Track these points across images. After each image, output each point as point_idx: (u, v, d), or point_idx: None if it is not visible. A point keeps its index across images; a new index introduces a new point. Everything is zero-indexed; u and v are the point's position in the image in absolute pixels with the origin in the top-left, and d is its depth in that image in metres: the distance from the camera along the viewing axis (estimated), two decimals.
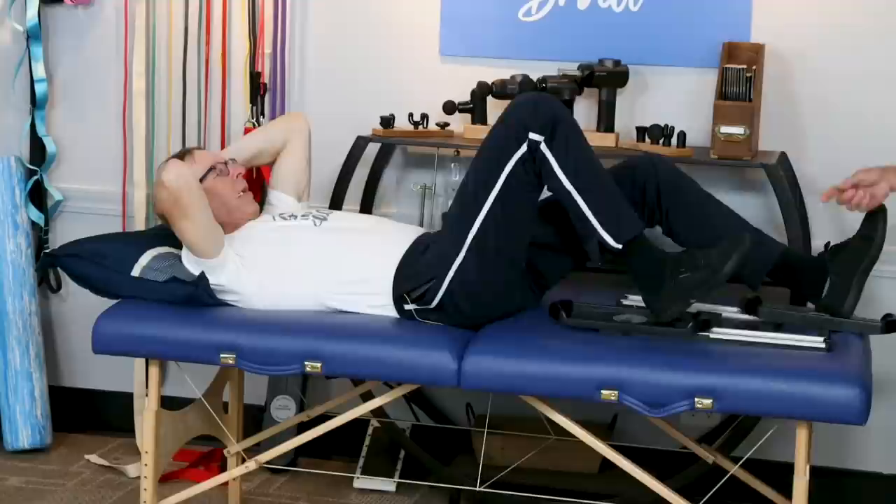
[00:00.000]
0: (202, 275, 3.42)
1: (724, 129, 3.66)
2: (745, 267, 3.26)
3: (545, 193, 3.38)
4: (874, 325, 3.30)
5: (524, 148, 3.26)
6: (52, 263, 3.65)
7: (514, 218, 3.31)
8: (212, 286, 3.42)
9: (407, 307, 3.38)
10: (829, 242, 3.44)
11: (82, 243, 3.60)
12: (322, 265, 3.44)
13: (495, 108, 3.93)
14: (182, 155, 3.62)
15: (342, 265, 3.43)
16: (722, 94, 3.70)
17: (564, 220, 3.37)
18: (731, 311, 3.39)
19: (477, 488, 3.56)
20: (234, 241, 3.50)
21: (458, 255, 3.32)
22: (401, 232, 3.54)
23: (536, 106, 3.26)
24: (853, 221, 3.84)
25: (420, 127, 3.94)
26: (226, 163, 3.62)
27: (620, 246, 3.25)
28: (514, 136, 3.27)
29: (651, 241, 3.32)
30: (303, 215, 3.58)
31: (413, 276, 3.37)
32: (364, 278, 3.41)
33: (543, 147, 3.24)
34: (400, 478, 4.05)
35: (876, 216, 3.32)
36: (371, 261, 3.42)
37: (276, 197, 3.72)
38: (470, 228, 3.31)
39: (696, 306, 3.31)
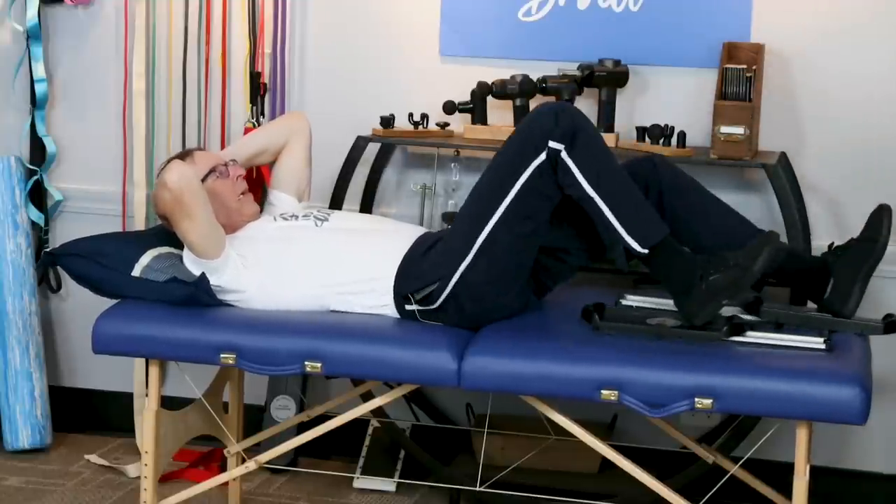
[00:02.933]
0: (202, 276, 3.41)
1: (724, 129, 3.66)
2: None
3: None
4: (875, 325, 3.29)
5: (543, 156, 3.24)
6: (52, 262, 3.64)
7: (526, 224, 3.30)
8: (212, 286, 3.42)
9: (409, 307, 3.38)
10: (832, 243, 3.43)
11: (83, 242, 3.59)
12: (323, 265, 3.43)
13: (495, 108, 3.94)
14: (182, 156, 3.61)
15: (343, 265, 3.43)
16: (722, 94, 3.70)
17: (577, 222, 3.37)
18: (732, 312, 3.36)
19: (477, 488, 3.56)
20: (236, 241, 3.50)
21: (465, 257, 3.32)
22: (402, 231, 3.54)
23: (557, 115, 3.24)
24: (853, 220, 3.85)
25: (420, 127, 3.94)
26: (226, 164, 3.61)
27: (647, 250, 3.23)
28: (533, 143, 3.25)
29: (678, 244, 3.30)
30: (304, 215, 3.57)
31: (417, 276, 3.36)
32: (365, 278, 3.41)
33: (564, 155, 3.23)
34: (400, 478, 4.05)
35: (880, 216, 3.30)
36: (373, 261, 3.42)
37: (277, 197, 3.72)
38: (480, 232, 3.30)
39: (730, 310, 3.29)
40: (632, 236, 3.23)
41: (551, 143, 3.23)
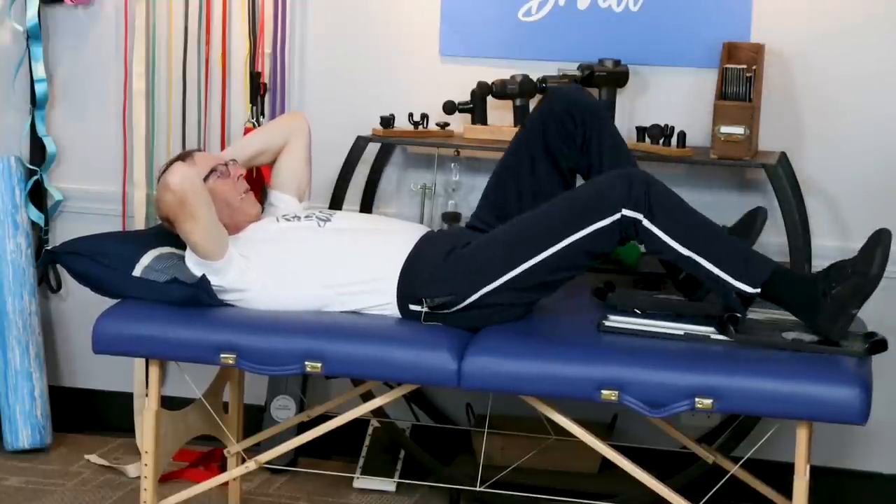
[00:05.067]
0: (203, 276, 3.41)
1: (724, 129, 3.66)
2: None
3: None
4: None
5: (608, 221, 3.21)
6: (52, 260, 3.65)
7: (563, 273, 3.30)
8: (214, 287, 3.42)
9: (414, 308, 3.36)
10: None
11: (83, 241, 3.59)
12: (326, 266, 3.42)
13: (495, 108, 3.94)
14: (182, 158, 3.61)
15: (346, 266, 3.42)
16: (722, 94, 3.70)
17: None
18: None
19: (477, 488, 3.56)
20: (238, 242, 3.49)
21: (492, 282, 3.29)
22: (405, 231, 3.53)
23: (631, 184, 3.20)
24: (853, 221, 3.86)
25: (420, 127, 3.94)
26: (227, 164, 3.61)
27: (759, 290, 3.21)
28: (602, 207, 3.21)
29: (785, 267, 3.26)
30: (306, 216, 3.57)
31: (434, 282, 3.34)
32: (368, 278, 3.40)
33: (647, 224, 3.19)
34: (400, 478, 4.05)
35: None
36: (375, 261, 3.41)
37: (277, 197, 3.72)
38: (516, 267, 3.28)
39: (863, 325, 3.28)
40: (742, 282, 3.19)
41: (626, 212, 3.19)
